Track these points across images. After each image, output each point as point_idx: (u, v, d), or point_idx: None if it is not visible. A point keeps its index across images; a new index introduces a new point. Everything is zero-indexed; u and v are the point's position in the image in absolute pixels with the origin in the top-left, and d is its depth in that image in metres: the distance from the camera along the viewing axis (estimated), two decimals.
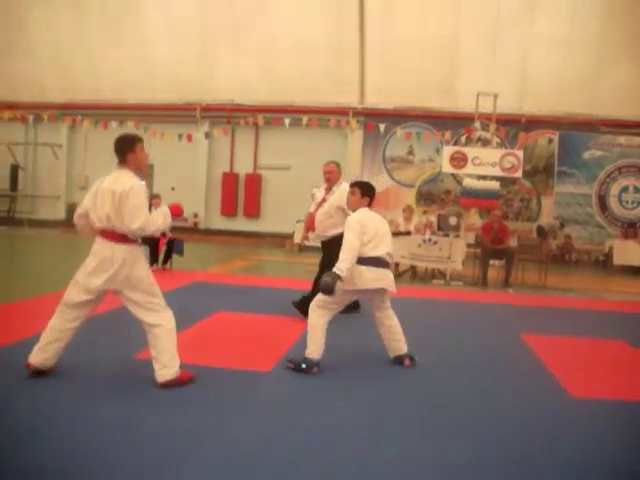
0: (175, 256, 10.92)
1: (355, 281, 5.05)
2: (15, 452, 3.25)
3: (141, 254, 4.50)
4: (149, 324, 4.41)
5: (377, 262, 5.12)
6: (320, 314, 5.12)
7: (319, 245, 7.23)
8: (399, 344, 5.43)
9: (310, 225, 7.28)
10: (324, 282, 4.88)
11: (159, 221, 4.45)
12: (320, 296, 5.14)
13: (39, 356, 4.43)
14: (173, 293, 8.22)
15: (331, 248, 6.68)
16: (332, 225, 6.90)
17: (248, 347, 5.78)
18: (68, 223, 19.56)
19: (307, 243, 7.88)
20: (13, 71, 19.11)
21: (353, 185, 5.44)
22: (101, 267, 4.34)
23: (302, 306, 6.87)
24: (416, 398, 4.55)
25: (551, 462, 3.49)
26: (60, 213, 20.30)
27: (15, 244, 16.57)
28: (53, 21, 18.04)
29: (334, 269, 4.88)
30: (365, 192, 5.34)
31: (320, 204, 7.10)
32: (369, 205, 5.35)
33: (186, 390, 4.39)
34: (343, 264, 4.88)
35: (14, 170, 20.49)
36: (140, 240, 4.48)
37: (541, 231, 16.57)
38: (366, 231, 5.07)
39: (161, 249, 10.66)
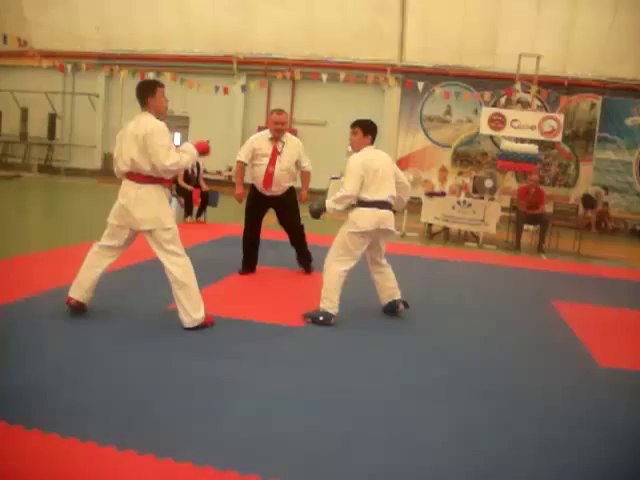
0: (209, 209, 11.00)
1: (359, 223, 5.12)
2: (51, 391, 3.38)
3: (164, 195, 4.65)
4: (170, 269, 4.55)
5: (380, 204, 5.18)
6: (335, 267, 5.18)
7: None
8: (393, 290, 5.55)
9: (266, 181, 6.67)
10: (312, 209, 5.19)
11: (186, 157, 4.60)
12: (333, 250, 5.24)
13: (76, 291, 4.67)
14: (206, 245, 8.34)
15: (287, 200, 6.88)
16: (290, 179, 6.83)
17: (280, 301, 5.85)
18: (104, 172, 19.83)
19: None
20: (52, 20, 19.13)
21: (354, 125, 5.33)
22: (127, 207, 4.52)
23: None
24: (439, 359, 4.57)
25: (573, 429, 3.50)
26: (96, 163, 20.51)
27: (52, 192, 16.84)
28: None
29: (326, 202, 5.15)
30: (367, 130, 5.30)
31: (274, 158, 6.61)
32: (371, 143, 5.33)
33: (217, 341, 4.48)
34: (336, 205, 5.13)
35: (52, 119, 20.68)
36: (173, 189, 4.63)
37: (588, 200, 15.99)
38: (371, 172, 5.12)
39: (196, 201, 10.74)
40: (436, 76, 17.37)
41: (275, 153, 6.65)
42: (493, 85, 16.62)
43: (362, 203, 5.13)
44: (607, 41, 15.63)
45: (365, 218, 5.10)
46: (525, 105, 14.58)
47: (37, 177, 19.53)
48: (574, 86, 16.82)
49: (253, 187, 6.88)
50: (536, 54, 13.13)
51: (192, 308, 4.59)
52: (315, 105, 18.54)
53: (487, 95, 16.68)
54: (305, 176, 7.06)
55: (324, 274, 5.23)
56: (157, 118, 4.58)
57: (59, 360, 3.85)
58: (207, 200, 10.89)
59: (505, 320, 5.92)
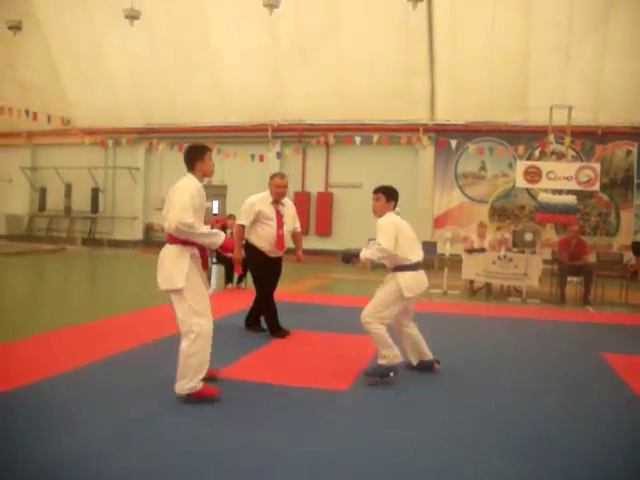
0: (249, 275, 11.06)
1: (412, 288, 5.18)
2: (95, 461, 3.38)
3: (186, 254, 4.42)
4: (180, 329, 4.44)
5: (420, 265, 5.33)
6: (378, 324, 5.17)
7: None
8: (425, 350, 5.57)
9: (280, 244, 6.87)
10: (348, 254, 5.31)
11: (203, 230, 4.39)
12: (374, 308, 5.20)
13: None
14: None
15: (281, 260, 7.05)
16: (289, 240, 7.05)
17: (322, 365, 5.80)
18: (145, 243, 20.25)
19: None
20: (92, 100, 20.02)
21: (377, 191, 5.43)
22: (159, 267, 4.51)
23: (249, 322, 7.31)
24: (491, 417, 4.46)
25: None
26: (138, 233, 20.95)
27: (95, 263, 17.17)
28: (130, 52, 18.77)
29: (360, 254, 5.15)
30: (389, 196, 5.40)
31: (280, 221, 6.85)
32: (393, 209, 5.43)
33: (262, 408, 4.46)
34: (371, 256, 5.11)
35: (95, 193, 21.34)
36: (214, 257, 4.58)
37: (639, 247, 15.52)
38: (403, 233, 5.21)
39: (237, 270, 10.81)
40: (469, 133, 17.50)
41: (279, 216, 6.87)
42: (526, 138, 16.64)
43: (408, 267, 5.19)
44: (638, 86, 15.59)
45: (415, 283, 5.20)
46: (560, 156, 14.51)
47: (81, 250, 20.02)
48: (608, 134, 16.75)
49: (257, 250, 6.92)
50: (567, 105, 13.16)
51: (181, 375, 4.41)
52: (350, 168, 18.77)
53: (521, 149, 16.69)
54: (298, 236, 7.28)
55: (370, 332, 5.20)
56: (200, 180, 4.58)
57: (101, 432, 3.86)
58: (247, 267, 10.93)
59: (554, 376, 5.77)
